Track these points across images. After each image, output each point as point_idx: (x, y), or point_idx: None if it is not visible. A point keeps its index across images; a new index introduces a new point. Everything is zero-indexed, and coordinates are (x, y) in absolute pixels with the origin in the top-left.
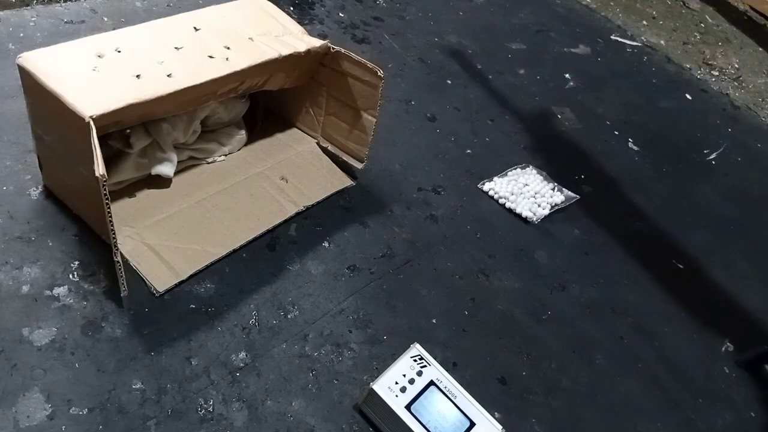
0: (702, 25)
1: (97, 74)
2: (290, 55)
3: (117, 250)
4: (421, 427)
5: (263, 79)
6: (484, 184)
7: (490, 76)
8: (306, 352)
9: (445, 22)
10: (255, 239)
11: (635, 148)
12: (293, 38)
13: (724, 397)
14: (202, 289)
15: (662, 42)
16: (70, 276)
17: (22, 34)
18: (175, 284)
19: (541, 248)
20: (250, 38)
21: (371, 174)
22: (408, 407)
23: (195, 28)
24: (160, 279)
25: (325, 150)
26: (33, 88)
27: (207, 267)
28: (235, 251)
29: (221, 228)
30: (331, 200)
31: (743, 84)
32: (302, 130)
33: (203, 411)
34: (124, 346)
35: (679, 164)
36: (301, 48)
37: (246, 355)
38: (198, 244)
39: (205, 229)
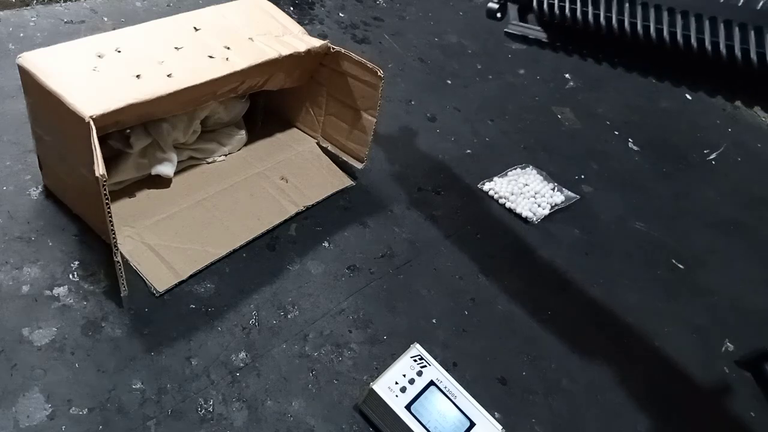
0: None
1: (97, 74)
2: (290, 55)
3: (117, 250)
4: (421, 427)
5: (263, 79)
6: (484, 184)
7: (490, 76)
8: (306, 352)
9: (445, 22)
10: (255, 239)
11: (635, 148)
12: (293, 38)
13: (724, 397)
14: (202, 289)
15: None
16: (70, 276)
17: (22, 34)
18: (175, 284)
19: (541, 248)
20: (250, 38)
21: (371, 174)
22: (408, 407)
23: (195, 28)
24: (160, 279)
25: (325, 150)
26: (33, 88)
27: (207, 267)
28: (235, 251)
29: (221, 228)
30: (331, 200)
31: None
32: (302, 130)
33: (203, 411)
34: (124, 346)
35: (679, 164)
36: (301, 48)
37: (246, 355)
38: (198, 244)
39: (205, 229)
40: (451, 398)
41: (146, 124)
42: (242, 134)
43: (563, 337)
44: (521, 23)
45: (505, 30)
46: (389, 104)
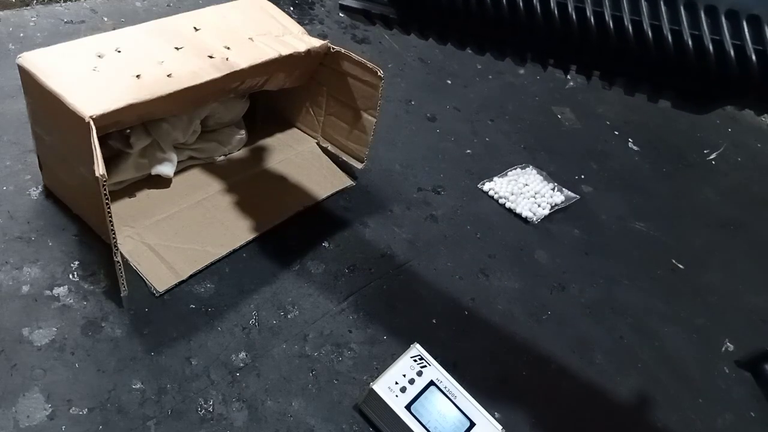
0: None
1: (97, 74)
2: (290, 55)
3: (117, 250)
4: (421, 427)
5: (263, 79)
6: (484, 184)
7: (490, 76)
8: (306, 352)
9: None
10: (255, 239)
11: (635, 148)
12: (293, 38)
13: (724, 397)
14: (202, 289)
15: None
16: (70, 276)
17: (22, 34)
18: (175, 284)
19: (541, 248)
20: (250, 38)
21: (371, 174)
22: (408, 407)
23: (195, 28)
24: (160, 279)
25: (325, 150)
26: (33, 88)
27: (207, 267)
28: (235, 251)
29: (221, 228)
30: (331, 200)
31: None
32: (302, 130)
33: (203, 411)
34: (124, 346)
35: (679, 164)
36: (301, 48)
37: (246, 355)
38: (198, 244)
39: (205, 229)
40: (451, 398)
41: (146, 124)
42: (242, 134)
43: (563, 337)
44: None
45: (341, 2)
46: (389, 104)
